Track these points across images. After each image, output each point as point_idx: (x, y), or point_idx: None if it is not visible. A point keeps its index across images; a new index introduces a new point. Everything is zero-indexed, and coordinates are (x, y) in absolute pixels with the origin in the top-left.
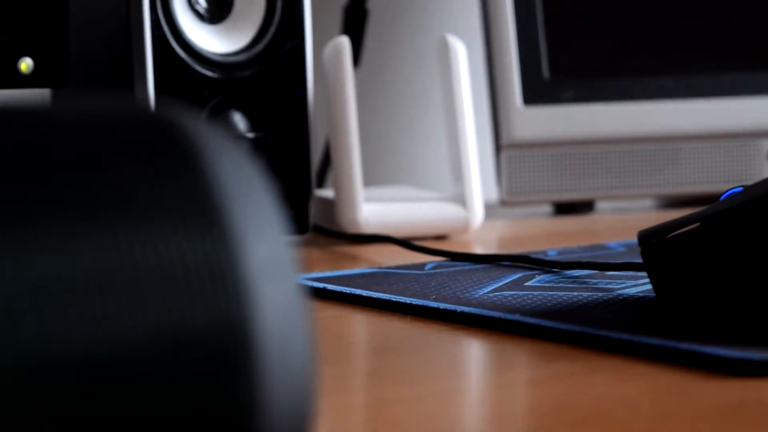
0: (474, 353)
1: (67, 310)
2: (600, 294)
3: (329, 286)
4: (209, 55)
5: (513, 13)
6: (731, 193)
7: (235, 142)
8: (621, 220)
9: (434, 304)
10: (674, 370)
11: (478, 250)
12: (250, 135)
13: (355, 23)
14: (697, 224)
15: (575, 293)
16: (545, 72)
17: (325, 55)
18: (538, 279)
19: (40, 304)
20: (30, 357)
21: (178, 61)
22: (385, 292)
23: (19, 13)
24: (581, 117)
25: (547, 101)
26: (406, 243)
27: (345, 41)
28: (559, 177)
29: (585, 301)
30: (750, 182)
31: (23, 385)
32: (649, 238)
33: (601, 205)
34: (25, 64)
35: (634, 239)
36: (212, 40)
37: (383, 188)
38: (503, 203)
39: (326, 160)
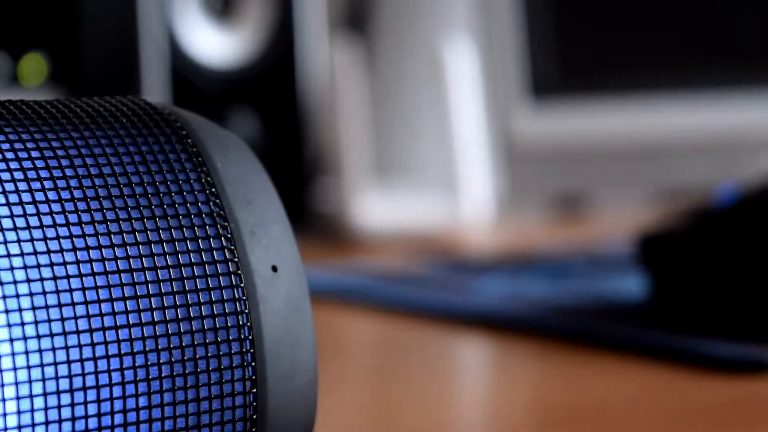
0: (473, 351)
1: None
2: (599, 292)
3: (329, 285)
4: (215, 54)
5: (514, 8)
6: (725, 189)
7: (240, 138)
8: (621, 218)
9: (434, 303)
10: (672, 368)
11: (477, 248)
12: (253, 130)
13: None
14: (697, 224)
15: (574, 291)
16: (545, 70)
17: (331, 50)
18: (537, 277)
19: None
20: None
21: (184, 59)
22: (385, 291)
23: (31, 13)
24: (582, 116)
25: (547, 100)
26: (405, 241)
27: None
28: (560, 175)
29: (584, 299)
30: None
31: None
32: (648, 238)
33: (601, 204)
34: (38, 64)
35: (634, 237)
36: (218, 38)
37: (383, 183)
38: (503, 202)
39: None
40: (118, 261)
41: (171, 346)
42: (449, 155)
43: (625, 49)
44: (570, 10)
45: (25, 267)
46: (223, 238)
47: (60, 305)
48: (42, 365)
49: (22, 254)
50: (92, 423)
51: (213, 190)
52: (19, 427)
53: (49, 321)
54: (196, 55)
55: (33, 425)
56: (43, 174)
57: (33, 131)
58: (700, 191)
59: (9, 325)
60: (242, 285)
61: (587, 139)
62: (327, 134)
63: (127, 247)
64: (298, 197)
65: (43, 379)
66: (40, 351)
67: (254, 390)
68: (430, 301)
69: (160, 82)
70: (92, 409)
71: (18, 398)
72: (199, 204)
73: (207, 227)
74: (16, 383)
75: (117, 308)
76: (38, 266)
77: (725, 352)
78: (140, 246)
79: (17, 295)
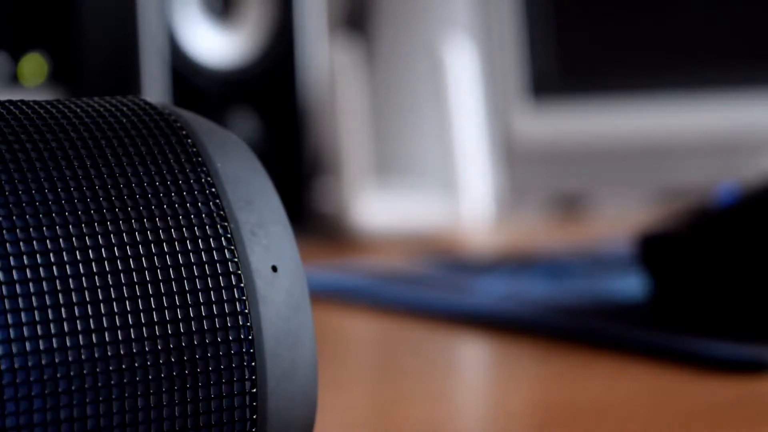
0: (473, 351)
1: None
2: (599, 292)
3: (329, 285)
4: (215, 54)
5: (514, 8)
6: (725, 189)
7: (240, 138)
8: (621, 218)
9: (434, 303)
10: (671, 368)
11: (477, 248)
12: (253, 130)
13: None
14: (697, 224)
15: (574, 291)
16: (545, 70)
17: (332, 50)
18: (537, 277)
19: None
20: None
21: (184, 59)
22: (385, 291)
23: (31, 13)
24: (582, 116)
25: (547, 100)
26: (405, 241)
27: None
28: (560, 175)
29: (584, 299)
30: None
31: None
32: (648, 238)
33: (601, 204)
34: (38, 64)
35: (634, 237)
36: (218, 38)
37: (383, 183)
38: (503, 202)
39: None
40: (118, 261)
41: (171, 346)
42: (449, 155)
43: (625, 49)
44: (570, 10)
45: (25, 267)
46: (223, 238)
47: (60, 305)
48: (42, 365)
49: (22, 254)
50: (92, 423)
51: (213, 190)
52: (19, 427)
53: (49, 321)
54: (196, 55)
55: (33, 425)
56: (43, 174)
57: (33, 131)
58: (700, 191)
59: (9, 325)
60: (242, 285)
61: (587, 139)
62: (327, 134)
63: (127, 248)
64: (298, 197)
65: (43, 380)
66: (40, 351)
67: (254, 390)
68: (430, 301)
69: (160, 82)
70: (92, 409)
71: (18, 398)
72: (199, 204)
73: (207, 227)
74: (16, 383)
75: (117, 308)
76: (38, 266)
77: (725, 352)
78: (140, 246)
79: (17, 295)
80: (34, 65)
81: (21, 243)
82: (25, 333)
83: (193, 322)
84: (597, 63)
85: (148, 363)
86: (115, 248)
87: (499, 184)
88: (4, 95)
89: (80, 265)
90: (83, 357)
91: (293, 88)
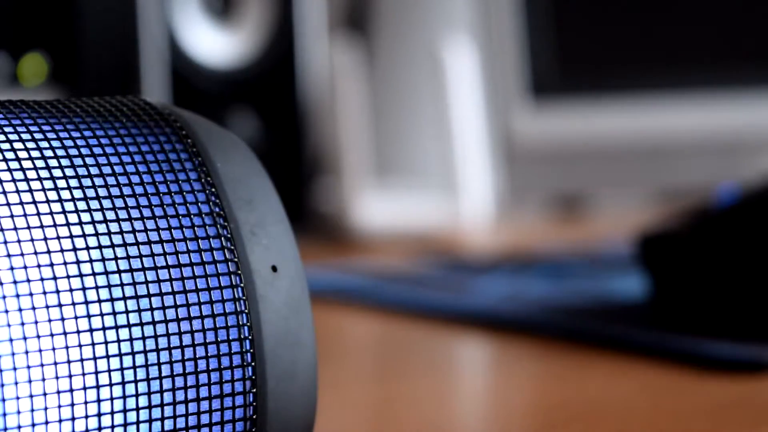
0: (473, 351)
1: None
2: (599, 292)
3: (329, 285)
4: (215, 54)
5: (514, 8)
6: (725, 189)
7: (240, 138)
8: (621, 218)
9: (434, 303)
10: (670, 368)
11: (477, 248)
12: (253, 130)
13: None
14: (697, 224)
15: (574, 291)
16: (545, 70)
17: (331, 50)
18: (537, 277)
19: None
20: None
21: (184, 59)
22: (385, 291)
23: (31, 13)
24: (582, 116)
25: (547, 100)
26: (405, 241)
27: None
28: (560, 175)
29: (584, 299)
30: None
31: None
32: (648, 238)
33: (601, 204)
34: (38, 64)
35: (634, 237)
36: (218, 38)
37: (383, 183)
38: (503, 202)
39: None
40: (118, 261)
41: (171, 346)
42: (449, 155)
43: (625, 49)
44: (570, 10)
45: (25, 267)
46: (223, 238)
47: (60, 305)
48: (42, 365)
49: (22, 254)
50: (92, 423)
51: (213, 190)
52: (19, 427)
53: (49, 321)
54: (196, 55)
55: (33, 425)
56: (43, 174)
57: (33, 131)
58: (700, 191)
59: (9, 325)
60: (242, 285)
61: (587, 139)
62: (327, 134)
63: (127, 247)
64: (298, 197)
65: (43, 379)
66: (40, 351)
67: (254, 390)
68: (430, 301)
69: (160, 82)
70: (92, 409)
71: (18, 398)
72: (199, 204)
73: (207, 227)
74: (16, 383)
75: (117, 308)
76: (38, 266)
77: (725, 352)
78: (140, 246)
79: (17, 295)
80: (34, 65)
81: (21, 243)
82: (25, 333)
83: (192, 322)
84: (597, 63)
85: (148, 363)
86: (115, 248)
87: (499, 184)
88: (4, 95)
89: (80, 264)
90: (83, 357)
91: (293, 88)
